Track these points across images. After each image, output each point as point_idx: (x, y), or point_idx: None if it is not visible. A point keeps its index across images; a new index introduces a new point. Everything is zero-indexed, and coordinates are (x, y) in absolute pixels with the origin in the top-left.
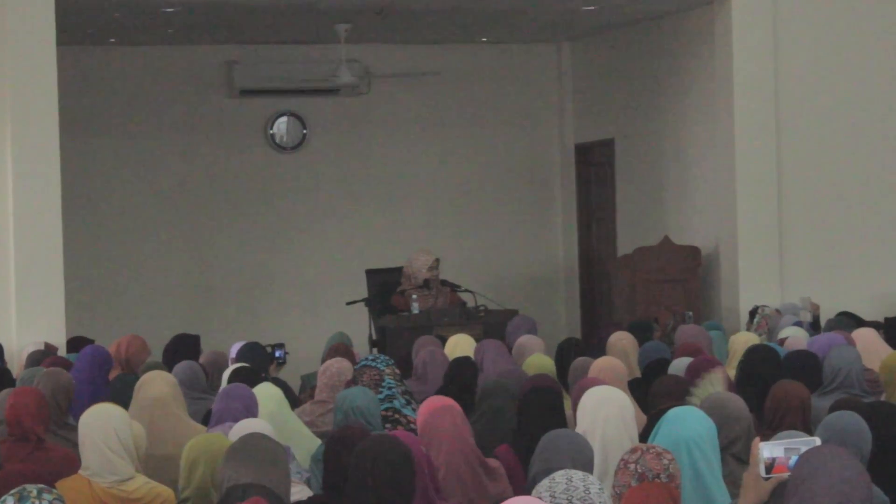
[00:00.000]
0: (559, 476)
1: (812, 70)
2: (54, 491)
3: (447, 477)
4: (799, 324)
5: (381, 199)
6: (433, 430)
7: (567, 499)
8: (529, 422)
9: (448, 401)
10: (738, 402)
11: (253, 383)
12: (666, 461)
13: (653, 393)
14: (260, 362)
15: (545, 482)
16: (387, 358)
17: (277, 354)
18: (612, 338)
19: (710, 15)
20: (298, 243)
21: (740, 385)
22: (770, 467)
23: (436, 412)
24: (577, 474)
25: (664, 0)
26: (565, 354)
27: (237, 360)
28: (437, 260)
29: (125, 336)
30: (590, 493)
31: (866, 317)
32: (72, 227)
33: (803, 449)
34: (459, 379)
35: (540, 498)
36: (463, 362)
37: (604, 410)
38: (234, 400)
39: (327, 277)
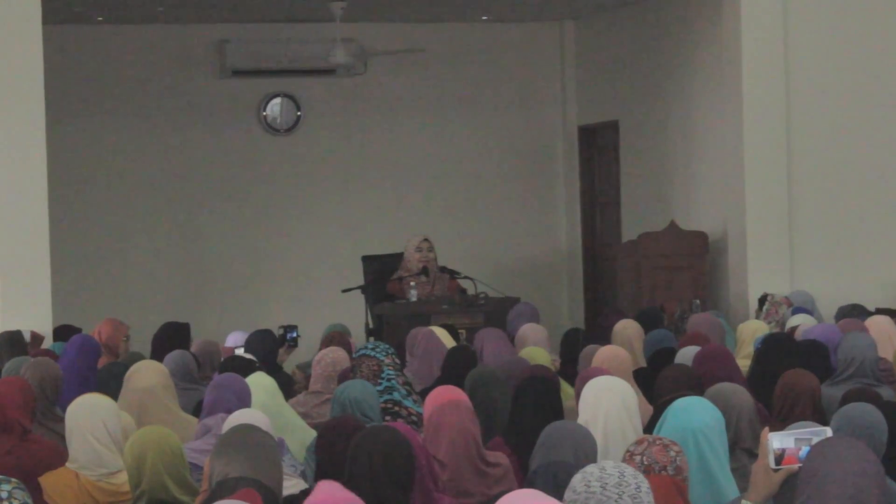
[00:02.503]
0: (610, 468)
1: (823, 50)
2: (13, 480)
3: (448, 473)
4: (801, 310)
5: (377, 183)
6: (438, 424)
7: (617, 494)
8: (525, 412)
9: (458, 395)
10: (742, 394)
11: (247, 373)
12: (673, 453)
13: (659, 383)
14: (268, 350)
15: (594, 471)
16: (386, 346)
17: (289, 336)
18: (617, 326)
19: None
20: (292, 229)
21: (755, 376)
22: (780, 458)
23: (444, 407)
24: (628, 469)
25: None
26: (571, 345)
27: (246, 347)
28: (427, 240)
29: (99, 323)
30: (640, 490)
31: (881, 305)
32: (58, 212)
33: (815, 440)
34: (458, 368)
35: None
36: (462, 351)
37: (605, 401)
38: (226, 390)
39: (322, 264)
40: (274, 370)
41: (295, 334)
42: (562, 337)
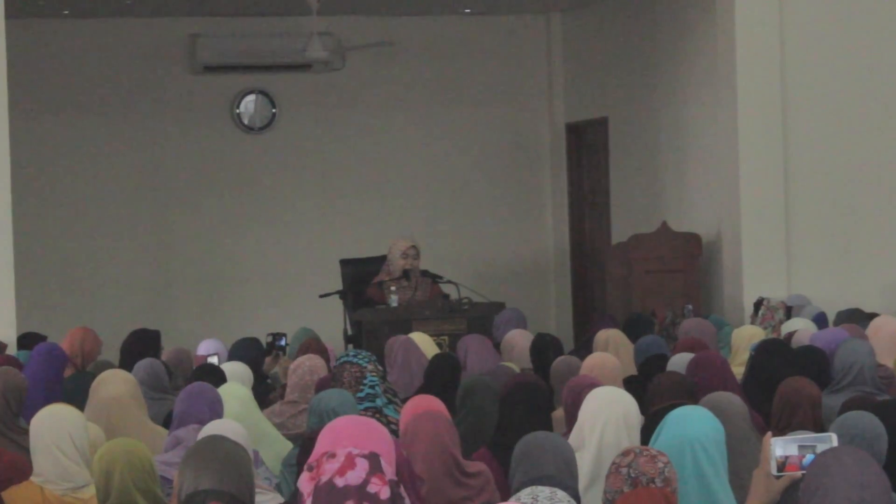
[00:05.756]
0: (524, 495)
1: (820, 44)
2: None
3: (426, 486)
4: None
5: (356, 183)
6: (413, 435)
7: None
8: (512, 421)
9: (435, 405)
10: (737, 403)
11: (219, 382)
12: (661, 464)
13: (651, 391)
14: (252, 359)
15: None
16: (369, 354)
17: (279, 344)
18: (599, 333)
19: None
20: (267, 231)
21: (749, 384)
22: (782, 465)
23: (420, 417)
24: (543, 491)
25: None
26: (542, 352)
27: (230, 355)
28: (415, 247)
29: (75, 330)
30: None
31: (880, 309)
32: (22, 213)
33: (819, 446)
34: (440, 377)
35: None
36: (445, 359)
37: (605, 412)
38: (197, 400)
39: (299, 268)
40: (258, 379)
41: (284, 342)
42: (531, 345)
